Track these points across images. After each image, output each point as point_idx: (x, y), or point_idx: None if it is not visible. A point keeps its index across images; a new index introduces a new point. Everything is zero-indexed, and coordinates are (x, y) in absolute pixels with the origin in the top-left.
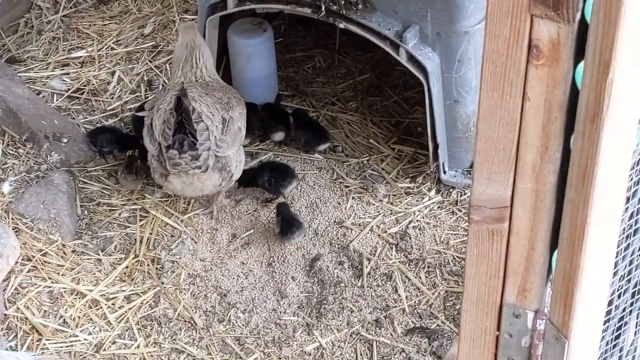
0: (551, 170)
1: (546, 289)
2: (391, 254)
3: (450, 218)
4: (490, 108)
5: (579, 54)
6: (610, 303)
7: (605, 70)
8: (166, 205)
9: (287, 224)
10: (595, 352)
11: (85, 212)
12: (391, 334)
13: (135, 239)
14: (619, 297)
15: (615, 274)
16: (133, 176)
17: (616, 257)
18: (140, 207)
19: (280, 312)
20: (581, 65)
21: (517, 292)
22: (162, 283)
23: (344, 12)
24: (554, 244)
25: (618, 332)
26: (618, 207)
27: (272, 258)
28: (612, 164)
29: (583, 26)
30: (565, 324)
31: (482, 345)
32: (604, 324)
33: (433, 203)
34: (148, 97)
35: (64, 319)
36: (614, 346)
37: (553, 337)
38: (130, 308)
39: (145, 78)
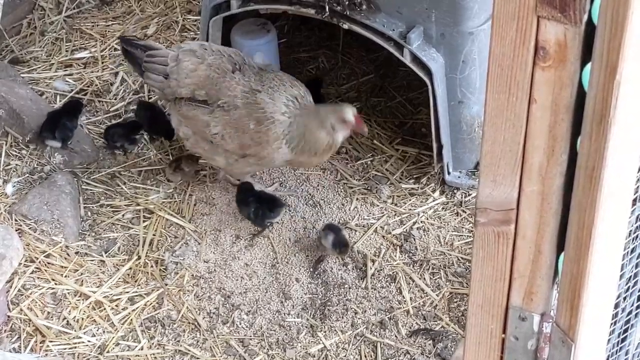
0: (558, 173)
1: (552, 292)
2: (395, 255)
3: (455, 219)
4: (496, 110)
5: (586, 55)
6: (616, 306)
7: (612, 72)
8: (170, 207)
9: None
10: (602, 355)
11: (89, 213)
12: (395, 336)
13: (139, 241)
14: (625, 299)
15: (621, 276)
16: (178, 175)
17: (622, 259)
18: (143, 208)
19: (284, 313)
20: (588, 67)
21: (524, 295)
22: (166, 285)
23: (347, 13)
24: (560, 247)
25: (624, 335)
26: (625, 210)
27: (276, 259)
28: (619, 166)
29: (590, 28)
30: (571, 327)
31: (488, 348)
32: (610, 327)
33: (437, 204)
34: (151, 98)
35: (68, 321)
36: (620, 349)
37: (559, 340)
38: (134, 310)
39: None
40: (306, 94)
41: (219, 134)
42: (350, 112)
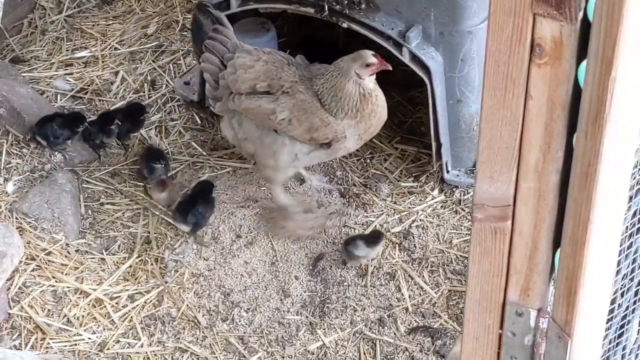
0: (554, 169)
1: (549, 288)
2: (394, 253)
3: (454, 217)
4: (493, 107)
5: (582, 52)
6: (613, 301)
7: (607, 69)
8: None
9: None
10: (598, 351)
11: (89, 211)
12: (394, 333)
13: (139, 239)
14: (622, 295)
15: (618, 272)
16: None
17: (619, 255)
18: (143, 207)
19: (284, 311)
20: (584, 64)
21: (520, 291)
22: (166, 282)
23: (347, 12)
24: (556, 243)
25: (621, 331)
26: (621, 206)
27: (275, 257)
28: (614, 162)
29: (585, 25)
30: (568, 323)
31: (485, 344)
32: (607, 323)
33: (436, 202)
34: (152, 97)
35: (68, 318)
36: (617, 344)
37: (556, 336)
38: (134, 307)
39: (149, 78)
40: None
41: (287, 119)
42: (369, 55)
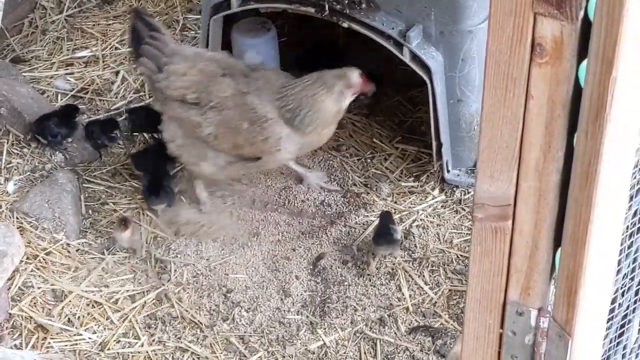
0: (554, 169)
1: (549, 287)
2: (395, 253)
3: (454, 217)
4: (493, 106)
5: (582, 52)
6: (613, 301)
7: (608, 68)
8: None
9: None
10: (599, 350)
11: (90, 211)
12: (395, 333)
13: (140, 238)
14: (622, 295)
15: (618, 272)
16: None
17: (619, 255)
18: (141, 206)
19: (284, 310)
20: (584, 63)
21: (521, 290)
22: (167, 281)
23: (347, 12)
24: (557, 242)
25: (622, 330)
26: (621, 206)
27: (276, 257)
28: (615, 162)
29: (586, 24)
30: (568, 322)
31: (485, 343)
32: (608, 322)
33: (437, 202)
34: (152, 97)
35: (69, 318)
36: (618, 344)
37: (556, 335)
38: (134, 307)
39: None
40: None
41: (212, 134)
42: (356, 76)
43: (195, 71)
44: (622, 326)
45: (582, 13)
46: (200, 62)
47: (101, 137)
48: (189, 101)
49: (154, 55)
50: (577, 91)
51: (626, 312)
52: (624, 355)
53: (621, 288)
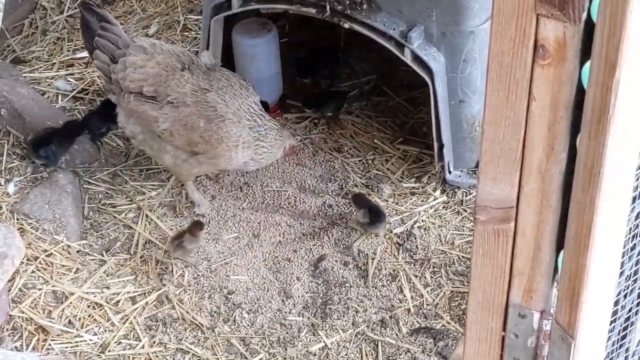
0: (557, 171)
1: (552, 290)
2: (396, 254)
3: (456, 218)
4: (496, 108)
5: (585, 53)
6: (616, 303)
7: (611, 70)
8: (169, 206)
9: None
10: (602, 353)
11: (90, 212)
12: (396, 334)
13: (140, 239)
14: (625, 297)
15: (621, 274)
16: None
17: (622, 257)
18: (139, 207)
19: (286, 312)
20: (587, 65)
21: (523, 293)
22: (168, 283)
23: (348, 12)
24: (560, 244)
25: (624, 332)
26: (624, 207)
27: (277, 258)
28: (618, 163)
29: (589, 26)
30: (571, 324)
31: (488, 346)
32: (610, 324)
33: (438, 203)
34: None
35: (69, 320)
36: (620, 346)
37: (559, 338)
38: (135, 308)
39: None
40: (255, 97)
41: (168, 130)
42: (287, 146)
43: (153, 63)
44: (625, 328)
45: (585, 14)
46: (159, 55)
47: (102, 125)
48: (146, 94)
49: (108, 47)
50: (580, 93)
51: (629, 314)
52: (626, 358)
53: (624, 290)
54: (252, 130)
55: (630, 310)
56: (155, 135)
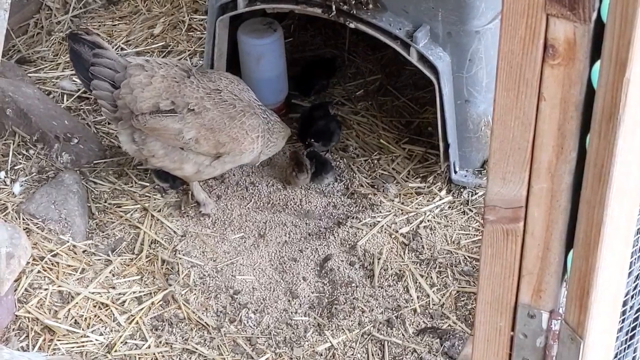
0: (567, 170)
1: (561, 289)
2: (402, 254)
3: (462, 218)
4: (505, 108)
5: (595, 53)
6: (624, 303)
7: (621, 69)
8: (175, 206)
9: None
10: (611, 353)
11: (96, 212)
12: (403, 334)
13: (146, 239)
14: (632, 297)
15: (630, 274)
16: (304, 174)
17: (631, 257)
18: (144, 207)
19: (292, 312)
20: (597, 64)
21: (532, 293)
22: (174, 283)
23: (354, 12)
24: (569, 244)
25: (632, 333)
26: (634, 207)
27: (283, 258)
28: (628, 163)
29: (599, 26)
30: (580, 324)
31: (496, 346)
32: (619, 324)
33: (444, 203)
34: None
35: (75, 320)
36: (628, 347)
37: (568, 338)
38: (141, 308)
39: None
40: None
41: (194, 138)
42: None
43: (159, 78)
44: (633, 328)
45: (595, 14)
46: (159, 69)
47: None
48: (164, 109)
49: (106, 74)
50: (590, 92)
51: (637, 314)
52: (634, 358)
53: (632, 290)
54: (264, 120)
55: (638, 310)
56: (177, 148)
